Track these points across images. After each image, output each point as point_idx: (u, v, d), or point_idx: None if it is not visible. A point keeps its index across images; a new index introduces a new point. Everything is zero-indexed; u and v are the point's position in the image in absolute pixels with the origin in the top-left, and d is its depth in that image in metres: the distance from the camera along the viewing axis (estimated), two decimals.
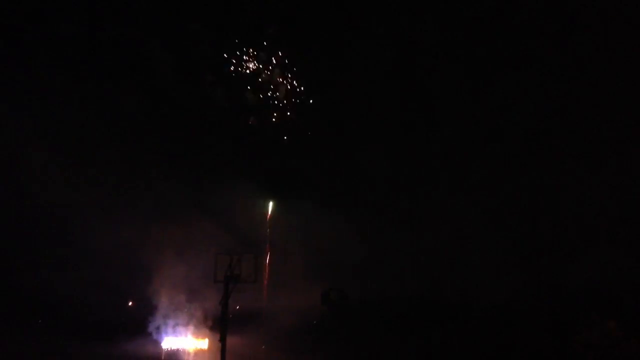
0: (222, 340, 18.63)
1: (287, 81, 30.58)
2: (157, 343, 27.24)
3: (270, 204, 31.27)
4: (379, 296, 30.42)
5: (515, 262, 28.28)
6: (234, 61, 29.86)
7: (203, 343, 27.05)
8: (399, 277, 31.14)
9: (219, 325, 20.97)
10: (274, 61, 30.26)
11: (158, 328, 27.25)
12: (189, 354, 26.91)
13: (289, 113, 31.85)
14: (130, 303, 29.13)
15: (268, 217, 31.30)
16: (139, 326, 27.17)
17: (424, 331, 26.86)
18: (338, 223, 30.13)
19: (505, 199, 30.31)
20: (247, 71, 30.06)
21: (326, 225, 29.80)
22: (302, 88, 30.75)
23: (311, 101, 30.91)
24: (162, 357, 26.54)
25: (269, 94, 30.70)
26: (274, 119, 31.01)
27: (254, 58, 29.93)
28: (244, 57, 29.79)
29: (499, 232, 29.53)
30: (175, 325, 27.17)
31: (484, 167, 30.47)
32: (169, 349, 27.06)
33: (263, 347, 27.82)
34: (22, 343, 23.62)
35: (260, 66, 30.19)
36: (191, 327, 27.32)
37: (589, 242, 26.93)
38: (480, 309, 27.35)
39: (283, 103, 31.04)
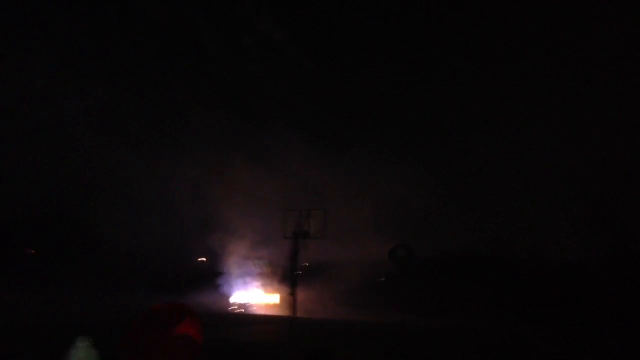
0: (293, 294, 18.18)
1: None
2: (226, 297, 27.52)
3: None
4: (444, 252, 29.45)
5: (588, 222, 26.66)
6: None
7: (274, 298, 26.92)
8: (466, 232, 29.98)
9: (286, 280, 20.53)
10: None
11: (227, 282, 27.45)
12: (258, 307, 26.97)
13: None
14: (201, 259, 29.57)
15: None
16: (208, 280, 27.53)
17: (493, 289, 25.55)
18: (403, 174, 28.75)
19: (580, 157, 28.27)
20: None
21: (391, 176, 28.46)
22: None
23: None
24: (231, 311, 26.77)
25: None
26: None
27: None
28: None
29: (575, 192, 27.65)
30: (244, 280, 27.21)
31: (559, 129, 28.26)
32: (239, 303, 27.25)
33: (332, 303, 27.40)
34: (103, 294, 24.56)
35: None
36: (261, 282, 27.27)
37: None
38: (552, 267, 25.97)
39: None
